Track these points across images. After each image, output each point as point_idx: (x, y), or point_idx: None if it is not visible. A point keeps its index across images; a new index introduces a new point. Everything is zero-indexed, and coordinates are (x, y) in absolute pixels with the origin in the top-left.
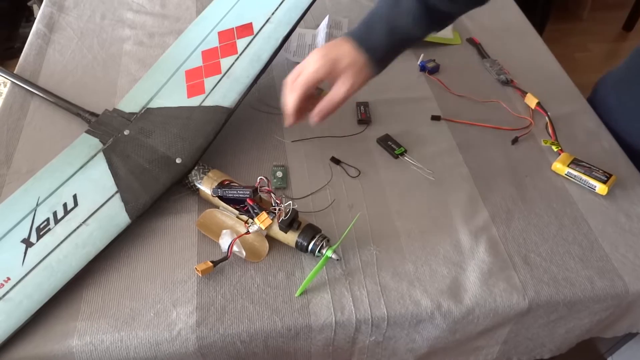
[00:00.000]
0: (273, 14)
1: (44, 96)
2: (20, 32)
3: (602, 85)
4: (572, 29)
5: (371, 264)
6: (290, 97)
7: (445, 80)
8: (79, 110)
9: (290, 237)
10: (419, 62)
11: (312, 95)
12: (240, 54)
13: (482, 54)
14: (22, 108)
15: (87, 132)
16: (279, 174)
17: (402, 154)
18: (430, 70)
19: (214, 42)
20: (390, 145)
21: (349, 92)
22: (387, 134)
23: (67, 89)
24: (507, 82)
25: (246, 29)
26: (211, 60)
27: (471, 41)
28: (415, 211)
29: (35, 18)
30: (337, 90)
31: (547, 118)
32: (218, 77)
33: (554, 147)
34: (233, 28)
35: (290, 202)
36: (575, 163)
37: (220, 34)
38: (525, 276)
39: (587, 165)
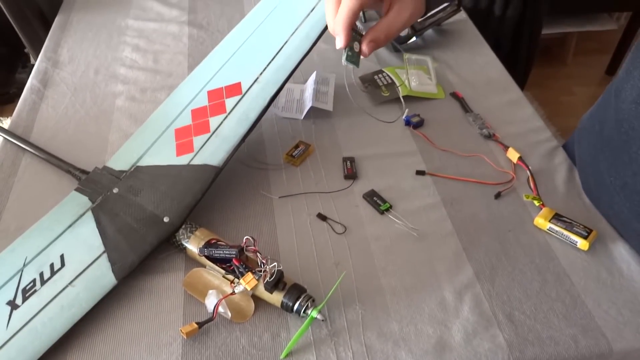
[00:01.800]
0: (261, 74)
1: (36, 153)
2: (17, 77)
3: (577, 132)
4: (556, 73)
5: (357, 323)
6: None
7: (430, 135)
8: (70, 167)
9: (276, 298)
10: (403, 117)
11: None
12: (229, 113)
13: (465, 108)
14: (13, 164)
15: (77, 189)
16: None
17: (387, 210)
18: (414, 124)
19: (203, 101)
20: (376, 201)
21: (411, 19)
22: (373, 189)
23: (59, 144)
24: (490, 136)
25: (235, 89)
26: (200, 119)
27: (454, 95)
28: (401, 268)
29: (31, 64)
30: (398, 17)
31: (528, 172)
32: (207, 135)
33: (535, 202)
34: (222, 87)
35: (275, 263)
36: (556, 218)
37: (209, 93)
38: (510, 335)
39: (568, 220)
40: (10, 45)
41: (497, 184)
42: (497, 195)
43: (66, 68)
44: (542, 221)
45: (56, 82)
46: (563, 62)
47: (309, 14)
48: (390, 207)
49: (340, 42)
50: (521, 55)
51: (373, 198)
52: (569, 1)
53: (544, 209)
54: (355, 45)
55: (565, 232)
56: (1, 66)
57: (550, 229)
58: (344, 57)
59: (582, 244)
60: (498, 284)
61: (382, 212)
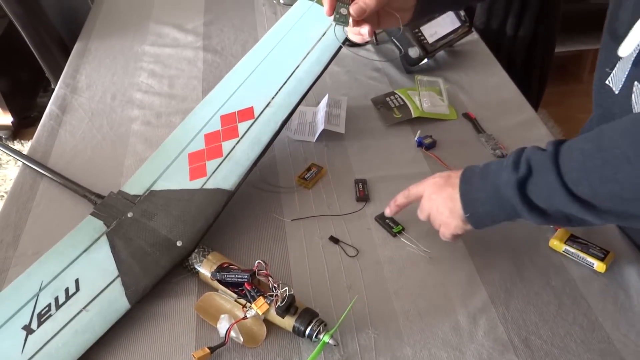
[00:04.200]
0: (273, 98)
1: (53, 177)
2: (38, 101)
3: None
4: (572, 91)
5: (369, 348)
6: None
7: (442, 156)
8: (86, 191)
9: (288, 322)
10: (416, 139)
11: None
12: (241, 138)
13: (478, 128)
14: (31, 189)
15: (92, 214)
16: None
17: (399, 232)
18: (427, 146)
19: (216, 125)
20: (388, 223)
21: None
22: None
23: (76, 169)
24: (503, 157)
25: (247, 113)
26: (213, 144)
27: (467, 116)
28: (414, 291)
29: (52, 89)
30: None
31: None
32: (219, 160)
33: None
34: (235, 112)
35: (287, 287)
36: (572, 240)
37: (222, 117)
38: None
39: (584, 241)
40: (31, 71)
41: None
42: None
43: (84, 94)
44: (557, 243)
45: (74, 107)
46: (579, 79)
47: (320, 39)
48: (403, 229)
49: (326, 7)
50: (534, 75)
51: (385, 220)
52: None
53: (559, 230)
54: (343, 10)
55: (582, 254)
56: (23, 91)
57: (565, 251)
58: (332, 19)
59: (599, 266)
60: (513, 307)
61: (394, 235)
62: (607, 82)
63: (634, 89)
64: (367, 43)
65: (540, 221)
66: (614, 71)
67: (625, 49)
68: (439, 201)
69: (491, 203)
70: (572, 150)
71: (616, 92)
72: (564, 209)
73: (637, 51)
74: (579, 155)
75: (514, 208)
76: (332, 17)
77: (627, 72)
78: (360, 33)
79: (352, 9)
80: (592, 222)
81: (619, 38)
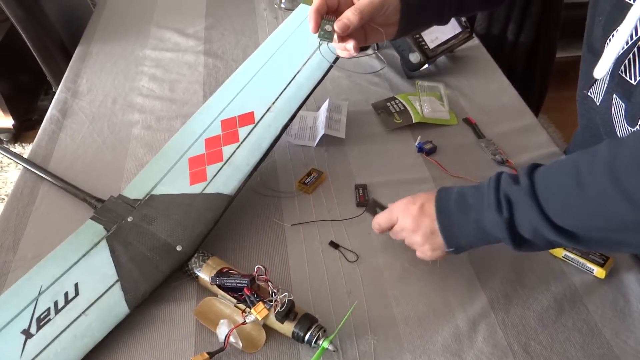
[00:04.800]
0: (273, 103)
1: (53, 181)
2: (39, 104)
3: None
4: (573, 96)
5: (369, 354)
6: None
7: (442, 161)
8: (86, 195)
9: (287, 328)
10: (416, 144)
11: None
12: (242, 142)
13: (478, 134)
14: (31, 193)
15: (92, 218)
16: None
17: None
18: (427, 151)
19: (216, 130)
20: (377, 211)
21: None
22: (374, 198)
23: (76, 173)
24: (503, 162)
25: (248, 118)
26: (213, 148)
27: (467, 121)
28: (413, 297)
29: (53, 92)
30: None
31: None
32: (220, 164)
33: None
34: (235, 117)
35: (287, 293)
36: None
37: (223, 122)
38: None
39: None
40: (32, 74)
41: None
42: None
43: (85, 98)
44: (557, 248)
45: (75, 111)
46: None
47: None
48: None
49: (311, 25)
50: (535, 80)
51: (375, 209)
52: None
53: None
54: (328, 27)
55: (581, 260)
56: (24, 94)
57: (565, 257)
58: (317, 35)
59: (599, 272)
60: (513, 313)
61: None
62: (589, 93)
63: (613, 101)
64: (367, 48)
65: (527, 251)
66: (595, 83)
67: (600, 71)
68: (418, 235)
69: (475, 237)
70: (549, 185)
71: (597, 104)
72: (550, 240)
73: (611, 66)
74: (558, 190)
75: (497, 239)
76: (317, 34)
77: (605, 85)
78: (346, 48)
79: (336, 26)
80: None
81: (596, 52)
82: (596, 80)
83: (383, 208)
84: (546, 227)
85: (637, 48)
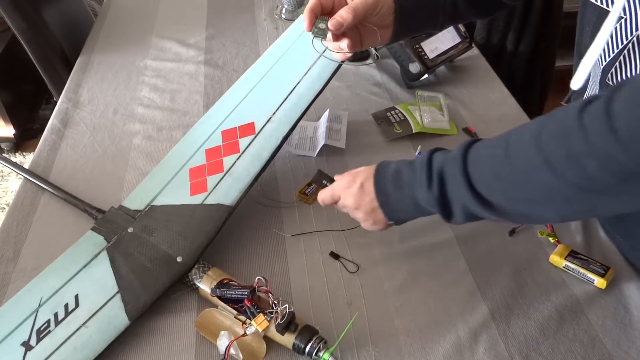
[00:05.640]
0: (274, 113)
1: (54, 192)
2: (40, 113)
3: None
4: None
5: None
6: None
7: None
8: (86, 206)
9: (288, 339)
10: (416, 154)
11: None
12: (242, 153)
13: None
14: (32, 204)
15: (93, 229)
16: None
17: None
18: None
19: (217, 140)
20: None
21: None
22: None
23: (77, 183)
24: None
25: (248, 128)
26: (214, 159)
27: (467, 131)
28: (415, 308)
29: (54, 101)
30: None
31: None
32: (220, 175)
33: (550, 239)
34: (236, 127)
35: (287, 304)
36: (572, 255)
37: (223, 132)
38: None
39: (585, 257)
40: (33, 83)
41: None
42: (512, 232)
43: (86, 108)
44: (557, 258)
45: (76, 121)
46: None
47: (321, 54)
48: None
49: (305, 23)
50: (535, 90)
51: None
52: None
53: (560, 246)
54: (321, 25)
55: (582, 270)
56: (25, 103)
57: (566, 267)
58: (311, 32)
59: (600, 282)
60: (514, 323)
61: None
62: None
63: None
64: (367, 58)
65: (457, 223)
66: (574, 95)
67: (576, 83)
68: (360, 212)
69: (413, 211)
70: (480, 157)
71: None
72: (477, 214)
73: (600, 75)
74: (488, 162)
75: (435, 213)
76: (311, 31)
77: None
78: (341, 48)
79: (330, 24)
80: (501, 220)
81: None
82: (574, 91)
83: (330, 179)
84: (474, 202)
85: (623, 57)
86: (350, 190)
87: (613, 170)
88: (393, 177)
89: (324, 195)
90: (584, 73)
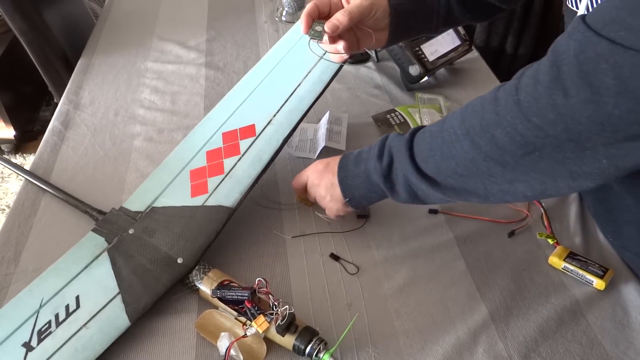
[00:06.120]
0: (274, 116)
1: (55, 193)
2: (40, 115)
3: None
4: None
5: None
6: None
7: None
8: (87, 208)
9: (288, 341)
10: None
11: None
12: (243, 155)
13: None
14: (33, 205)
15: (94, 230)
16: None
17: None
18: None
19: (218, 142)
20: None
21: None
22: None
23: (78, 185)
24: None
25: (249, 130)
26: (215, 161)
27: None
28: (414, 309)
29: (55, 102)
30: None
31: (542, 210)
32: (221, 177)
33: (549, 240)
34: (237, 129)
35: (287, 306)
36: (571, 257)
37: (224, 134)
38: None
39: (583, 259)
40: (34, 85)
41: (511, 222)
42: (511, 234)
43: (87, 110)
44: (556, 260)
45: (77, 123)
46: None
47: (321, 57)
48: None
49: (302, 26)
50: None
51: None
52: None
53: (558, 248)
54: (318, 27)
55: (581, 272)
56: (25, 104)
57: (565, 268)
58: (308, 34)
59: (598, 283)
60: (513, 324)
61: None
62: None
63: None
64: (366, 60)
65: (401, 201)
66: None
67: None
68: (321, 188)
69: (365, 188)
70: (423, 133)
71: None
72: (416, 188)
73: None
74: (428, 136)
75: (383, 191)
76: (308, 33)
77: None
78: (337, 50)
79: (327, 26)
80: (439, 200)
81: None
82: None
83: None
84: (414, 174)
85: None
86: (316, 168)
87: (517, 140)
88: (355, 156)
89: (296, 179)
90: None
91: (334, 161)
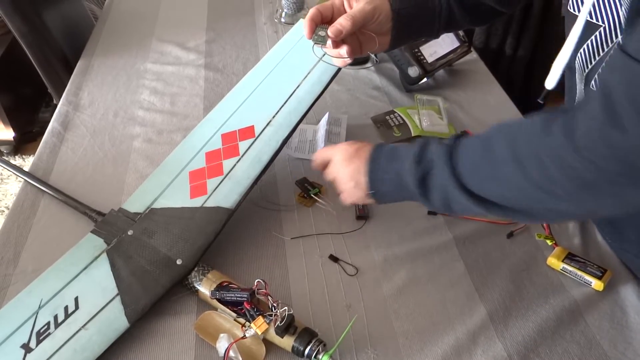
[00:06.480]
0: (274, 117)
1: (54, 195)
2: (40, 116)
3: None
4: None
5: None
6: None
7: None
8: (86, 209)
9: (287, 342)
10: None
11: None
12: (242, 156)
13: None
14: (32, 206)
15: (93, 231)
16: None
17: (316, 194)
18: None
19: (217, 144)
20: (306, 187)
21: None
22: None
23: (77, 186)
24: None
25: (248, 132)
26: (214, 162)
27: (465, 134)
28: (413, 310)
29: (54, 104)
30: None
31: None
32: (220, 178)
33: (548, 241)
34: (236, 130)
35: (286, 307)
36: (569, 258)
37: (223, 136)
38: None
39: (582, 260)
40: (33, 86)
41: (510, 224)
42: (510, 235)
43: (86, 111)
44: (555, 261)
45: (76, 124)
46: None
47: (320, 58)
48: (319, 191)
49: (305, 31)
50: (533, 93)
51: (304, 184)
52: None
53: (557, 249)
54: (321, 32)
55: (579, 273)
56: (25, 106)
57: (563, 269)
58: (311, 39)
59: (597, 284)
60: (512, 325)
61: (310, 197)
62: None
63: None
64: (366, 61)
65: (430, 207)
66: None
67: (550, 83)
68: (347, 171)
69: (393, 186)
70: (466, 147)
71: None
72: (453, 200)
73: (583, 80)
74: (471, 152)
75: (413, 194)
76: (312, 38)
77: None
78: (340, 54)
79: (330, 31)
80: (475, 214)
81: (572, 68)
82: (549, 91)
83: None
84: (455, 187)
85: (605, 62)
86: (346, 150)
87: (570, 174)
88: (389, 151)
89: (319, 153)
90: (557, 74)
91: (366, 147)
